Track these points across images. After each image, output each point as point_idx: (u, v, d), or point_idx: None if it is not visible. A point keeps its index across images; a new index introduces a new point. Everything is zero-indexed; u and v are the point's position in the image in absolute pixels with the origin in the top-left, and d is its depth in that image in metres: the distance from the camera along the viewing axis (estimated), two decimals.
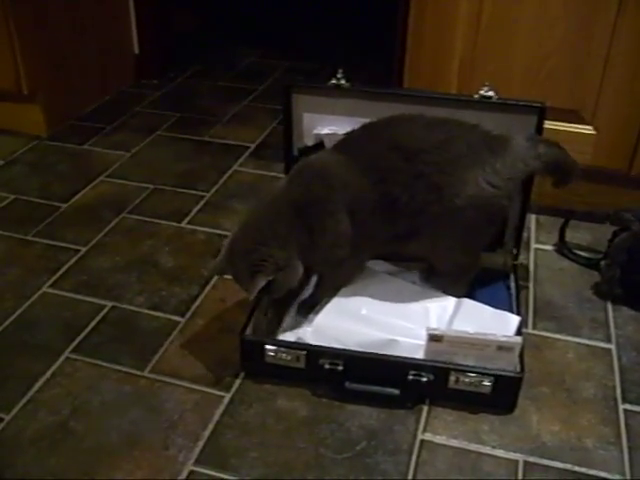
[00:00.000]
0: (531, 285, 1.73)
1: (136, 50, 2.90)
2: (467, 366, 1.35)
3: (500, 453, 1.30)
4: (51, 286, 1.72)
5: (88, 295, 1.69)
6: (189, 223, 1.98)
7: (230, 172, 2.25)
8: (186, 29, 3.31)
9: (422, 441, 1.32)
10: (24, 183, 2.17)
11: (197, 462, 1.27)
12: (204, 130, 2.53)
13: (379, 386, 1.38)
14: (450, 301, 1.51)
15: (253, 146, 2.42)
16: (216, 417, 1.36)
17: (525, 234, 1.81)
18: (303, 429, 1.34)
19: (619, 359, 1.51)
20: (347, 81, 1.59)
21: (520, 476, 1.25)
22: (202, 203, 2.07)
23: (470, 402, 1.38)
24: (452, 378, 1.35)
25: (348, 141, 1.49)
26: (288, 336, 1.48)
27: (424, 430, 1.34)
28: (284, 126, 1.65)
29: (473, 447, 1.31)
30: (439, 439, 1.32)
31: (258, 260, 1.33)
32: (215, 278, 1.73)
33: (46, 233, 1.92)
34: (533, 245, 1.88)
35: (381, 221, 1.43)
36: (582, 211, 1.84)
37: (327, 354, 1.38)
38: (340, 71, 1.59)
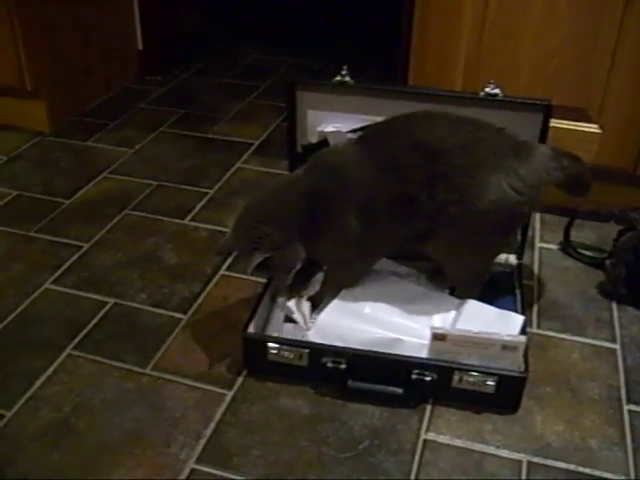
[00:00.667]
0: (535, 284, 1.72)
1: (140, 46, 2.89)
2: (471, 365, 1.34)
3: (504, 453, 1.29)
4: (53, 282, 1.71)
5: (90, 292, 1.68)
6: (192, 220, 1.97)
7: (233, 169, 2.24)
8: (190, 26, 3.31)
9: (425, 441, 1.31)
10: (27, 179, 2.17)
11: (199, 460, 1.27)
12: (208, 127, 2.52)
13: (382, 385, 1.37)
14: (454, 301, 1.50)
15: (257, 143, 2.41)
16: (218, 415, 1.36)
17: (530, 233, 1.80)
18: (305, 428, 1.33)
19: (624, 359, 1.50)
20: (351, 78, 1.59)
21: (524, 476, 1.25)
22: (205, 200, 2.07)
23: (474, 402, 1.37)
24: (456, 377, 1.34)
25: (368, 136, 1.47)
26: (291, 334, 1.47)
27: (427, 430, 1.33)
28: (288, 123, 1.65)
29: (477, 447, 1.30)
30: (442, 439, 1.32)
31: (256, 237, 1.37)
32: (218, 276, 1.73)
33: (49, 229, 1.92)
34: (538, 244, 1.87)
35: (397, 220, 1.41)
36: (587, 210, 1.83)
37: (330, 352, 1.38)
38: (345, 68, 1.58)
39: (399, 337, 1.40)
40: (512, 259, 1.68)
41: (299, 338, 1.45)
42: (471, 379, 1.34)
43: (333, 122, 1.61)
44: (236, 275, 1.74)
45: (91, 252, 1.83)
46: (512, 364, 1.35)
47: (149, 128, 2.50)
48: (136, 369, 1.46)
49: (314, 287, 1.57)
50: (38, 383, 1.42)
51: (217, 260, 1.79)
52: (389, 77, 2.32)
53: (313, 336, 1.44)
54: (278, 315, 1.55)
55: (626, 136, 1.82)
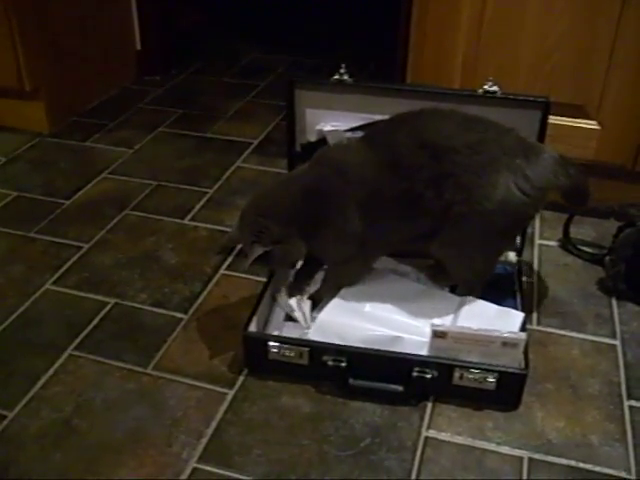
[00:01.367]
0: (535, 281, 1.72)
1: (138, 46, 2.89)
2: (471, 362, 1.35)
3: (505, 450, 1.29)
4: (54, 283, 1.71)
5: (91, 292, 1.68)
6: (192, 220, 1.97)
7: (233, 168, 2.25)
8: (188, 25, 3.31)
9: (426, 438, 1.31)
10: (26, 180, 2.17)
11: (200, 459, 1.27)
12: (207, 126, 2.52)
13: (383, 383, 1.37)
14: (454, 298, 1.51)
15: (256, 142, 2.41)
16: (219, 414, 1.36)
17: (529, 230, 1.80)
18: (307, 426, 1.33)
19: (624, 355, 1.51)
20: (350, 77, 1.59)
21: (525, 473, 1.25)
22: (205, 199, 2.07)
23: (474, 399, 1.37)
24: (456, 374, 1.35)
25: (374, 133, 1.47)
26: (292, 332, 1.47)
27: (428, 427, 1.34)
28: (287, 122, 1.65)
29: (478, 444, 1.30)
30: (443, 436, 1.32)
31: (256, 230, 1.38)
32: (218, 275, 1.73)
33: (49, 230, 1.92)
34: (537, 241, 1.87)
35: (401, 218, 1.41)
36: (586, 207, 1.83)
37: (330, 351, 1.38)
38: (343, 67, 1.58)
39: (399, 335, 1.40)
40: (512, 256, 1.68)
41: (299, 337, 1.46)
42: (472, 376, 1.34)
43: (332, 121, 1.62)
44: (236, 274, 1.74)
45: (91, 252, 1.83)
46: (512, 361, 1.35)
47: (148, 128, 2.50)
48: (137, 369, 1.46)
49: (315, 285, 1.57)
50: (39, 384, 1.42)
51: (217, 259, 1.79)
52: (387, 75, 2.32)
53: (314, 334, 1.44)
54: (278, 314, 1.56)
55: (625, 132, 1.82)
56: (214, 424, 1.34)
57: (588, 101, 1.82)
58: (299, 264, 1.55)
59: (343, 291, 1.50)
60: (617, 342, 1.54)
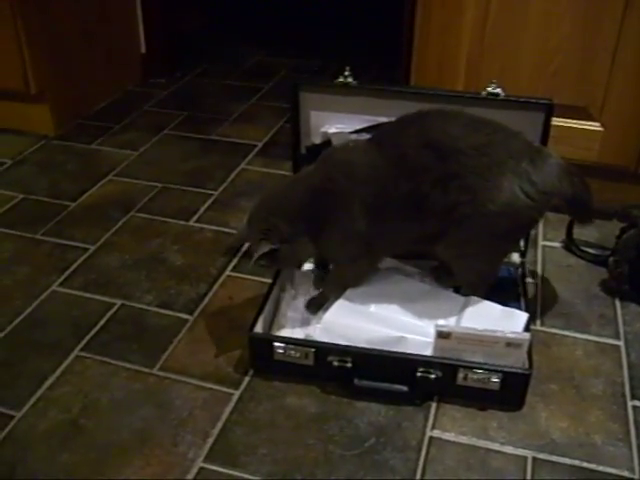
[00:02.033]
0: (539, 282, 1.73)
1: (143, 49, 2.91)
2: (475, 363, 1.35)
3: (509, 449, 1.30)
4: (60, 285, 1.72)
5: (97, 293, 1.69)
6: (197, 221, 1.98)
7: (238, 170, 2.26)
8: (193, 28, 3.32)
9: (431, 438, 1.32)
10: (32, 182, 2.18)
11: (207, 459, 1.28)
12: (211, 129, 2.53)
13: (388, 383, 1.38)
14: (458, 298, 1.51)
15: (260, 144, 2.42)
16: (225, 414, 1.37)
17: (533, 231, 1.80)
18: (312, 426, 1.34)
19: (628, 355, 1.51)
20: (354, 79, 1.59)
21: (529, 472, 1.25)
22: (210, 201, 2.08)
23: (478, 399, 1.38)
24: (460, 375, 1.35)
25: (382, 134, 1.48)
26: (297, 333, 1.48)
27: (433, 427, 1.34)
28: (292, 124, 1.66)
29: (482, 444, 1.31)
30: (448, 436, 1.33)
31: (265, 228, 1.39)
32: (223, 276, 1.74)
33: (55, 232, 1.93)
34: (541, 242, 1.88)
35: (407, 219, 1.42)
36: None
37: (336, 351, 1.39)
38: (347, 69, 1.59)
39: (404, 335, 1.41)
40: (515, 257, 1.69)
41: (307, 333, 1.47)
42: (476, 376, 1.35)
43: (336, 123, 1.62)
44: (242, 276, 1.75)
45: (97, 254, 1.84)
46: (516, 361, 1.36)
47: (153, 130, 2.51)
48: (143, 369, 1.47)
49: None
50: (47, 384, 1.43)
51: (223, 261, 1.80)
52: (391, 77, 2.33)
53: (319, 335, 1.45)
54: (284, 314, 1.56)
55: (628, 134, 1.82)
56: (220, 424, 1.35)
57: (591, 103, 1.83)
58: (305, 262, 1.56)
59: (348, 292, 1.51)
60: (621, 343, 1.55)
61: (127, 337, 1.56)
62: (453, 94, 1.64)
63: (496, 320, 1.42)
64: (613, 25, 1.72)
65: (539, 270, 1.77)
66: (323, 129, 1.64)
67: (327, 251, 1.50)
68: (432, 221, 1.41)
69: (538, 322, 1.60)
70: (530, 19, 1.78)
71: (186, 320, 1.61)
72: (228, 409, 1.38)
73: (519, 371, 1.35)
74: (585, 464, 1.27)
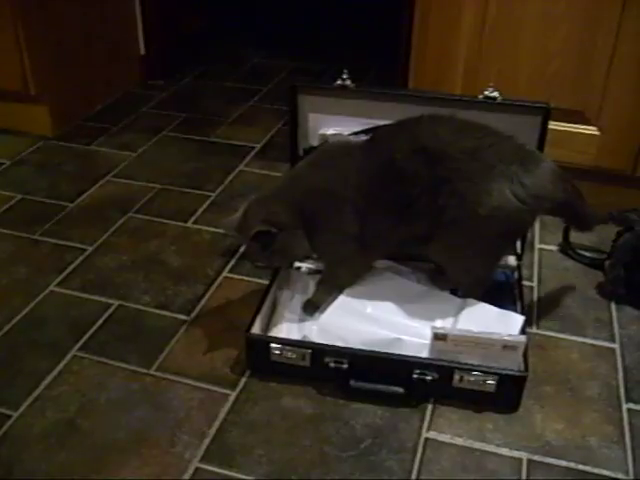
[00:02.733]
0: (535, 285, 1.73)
1: (142, 51, 2.91)
2: (471, 365, 1.36)
3: (504, 451, 1.30)
4: (58, 285, 1.73)
5: (95, 294, 1.70)
6: (195, 223, 1.99)
7: (236, 172, 2.26)
8: (192, 30, 3.32)
9: (426, 439, 1.33)
10: (31, 183, 2.19)
11: (203, 459, 1.28)
12: (210, 130, 2.54)
13: (384, 384, 1.39)
14: (455, 300, 1.52)
15: (259, 146, 2.43)
16: (222, 415, 1.37)
17: (529, 234, 1.81)
18: (308, 427, 1.35)
19: (623, 359, 1.52)
20: (353, 82, 1.60)
21: (524, 474, 1.26)
22: (208, 203, 2.08)
23: (474, 401, 1.39)
24: (456, 377, 1.36)
25: (375, 138, 1.48)
26: (294, 334, 1.49)
27: (428, 428, 1.35)
28: (290, 126, 1.67)
29: (477, 445, 1.31)
30: (443, 437, 1.33)
31: (264, 213, 1.42)
32: (221, 277, 1.75)
33: (53, 232, 1.94)
34: (537, 245, 1.89)
35: (397, 221, 1.43)
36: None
37: (332, 352, 1.39)
38: (345, 72, 1.60)
39: (400, 337, 1.42)
40: (512, 260, 1.69)
41: (303, 335, 1.47)
42: (472, 378, 1.35)
43: (334, 125, 1.63)
44: (239, 277, 1.76)
45: (95, 255, 1.85)
46: (512, 364, 1.37)
47: (152, 132, 2.52)
48: (140, 370, 1.48)
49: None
50: (44, 384, 1.44)
51: (220, 262, 1.81)
52: (389, 80, 2.33)
53: (316, 336, 1.45)
54: (281, 315, 1.56)
55: (624, 138, 1.83)
56: (216, 425, 1.35)
57: (588, 107, 1.83)
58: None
59: (345, 293, 1.51)
60: (616, 345, 1.55)
61: (124, 337, 1.56)
62: (450, 97, 1.64)
63: (492, 322, 1.43)
64: (610, 30, 1.73)
65: (535, 273, 1.78)
66: (321, 131, 1.64)
67: (319, 251, 1.51)
68: (422, 224, 1.42)
69: (534, 325, 1.60)
70: (528, 23, 1.79)
71: (183, 321, 1.61)
72: (225, 410, 1.38)
73: (515, 373, 1.36)
74: (580, 466, 1.27)
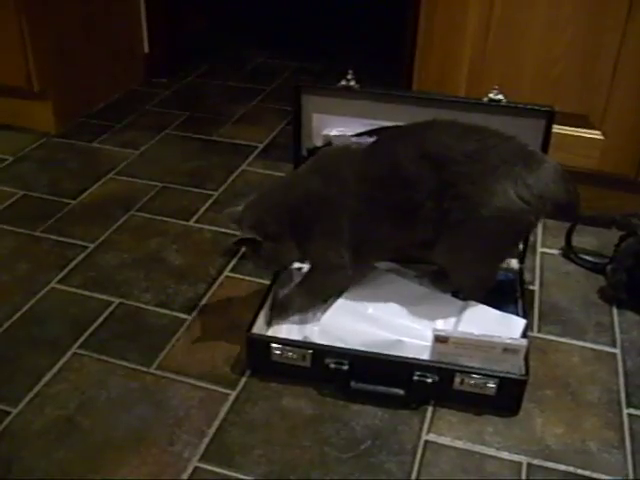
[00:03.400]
0: (537, 289, 1.73)
1: (146, 49, 2.91)
2: (472, 368, 1.36)
3: (504, 455, 1.30)
4: (59, 282, 1.73)
5: (96, 291, 1.70)
6: (197, 221, 1.99)
7: (238, 171, 2.26)
8: (196, 29, 3.32)
9: (426, 442, 1.32)
10: (33, 179, 2.19)
11: (202, 459, 1.28)
12: (213, 129, 2.54)
13: (384, 386, 1.38)
14: (457, 302, 1.52)
15: (262, 146, 2.43)
16: (221, 414, 1.37)
17: (531, 238, 1.81)
18: (308, 428, 1.34)
19: (624, 363, 1.51)
20: (357, 82, 1.60)
21: (524, 478, 1.26)
22: (210, 202, 2.08)
23: (475, 404, 1.38)
24: (457, 379, 1.36)
25: (377, 144, 1.48)
26: (294, 334, 1.48)
27: (428, 431, 1.34)
28: (293, 126, 1.66)
29: (477, 448, 1.31)
30: (443, 440, 1.33)
31: (253, 221, 1.44)
32: (222, 277, 1.75)
33: (55, 229, 1.94)
34: (539, 249, 1.88)
35: (398, 227, 1.43)
36: (588, 216, 1.84)
37: (333, 353, 1.39)
38: (350, 72, 1.60)
39: (401, 338, 1.41)
40: (514, 263, 1.69)
41: (304, 335, 1.47)
42: (472, 381, 1.35)
43: (338, 126, 1.63)
44: (240, 276, 1.75)
45: (97, 252, 1.84)
46: (513, 367, 1.36)
47: (155, 130, 2.52)
48: (141, 368, 1.47)
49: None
50: (44, 381, 1.44)
51: (222, 261, 1.80)
52: (393, 82, 2.33)
53: (316, 337, 1.45)
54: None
55: (628, 143, 1.83)
56: (216, 424, 1.35)
57: (592, 111, 1.83)
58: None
59: (347, 294, 1.51)
60: (617, 350, 1.55)
61: (125, 335, 1.56)
62: (455, 99, 1.64)
63: (494, 325, 1.43)
64: (615, 34, 1.72)
65: (537, 277, 1.77)
66: (325, 132, 1.64)
67: (311, 257, 1.51)
68: (426, 228, 1.42)
69: (535, 328, 1.60)
70: (533, 27, 1.78)
71: (184, 320, 1.61)
72: (224, 409, 1.38)
73: (515, 377, 1.36)
74: (580, 471, 1.27)
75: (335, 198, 1.43)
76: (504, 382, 1.35)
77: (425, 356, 1.39)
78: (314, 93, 1.63)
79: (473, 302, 1.50)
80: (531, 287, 1.73)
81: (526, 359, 1.37)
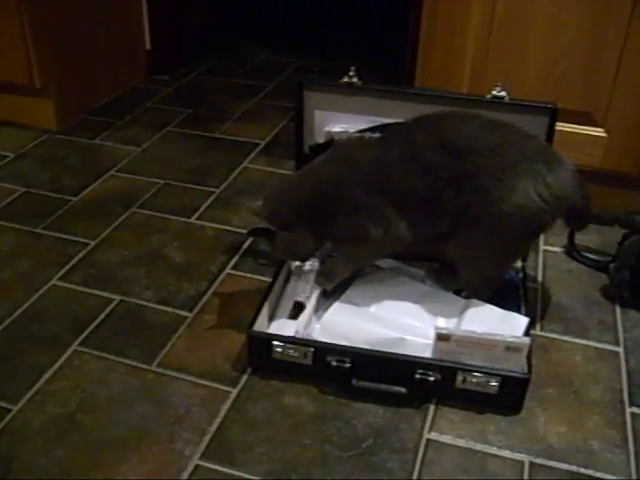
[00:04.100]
0: (539, 287, 1.73)
1: (148, 46, 2.91)
2: (474, 366, 1.35)
3: (506, 454, 1.29)
4: (60, 279, 1.72)
5: (97, 289, 1.69)
6: (198, 219, 1.98)
7: (240, 169, 2.25)
8: (198, 25, 3.31)
9: (428, 440, 1.32)
10: (34, 176, 2.18)
11: (203, 456, 1.27)
12: (215, 126, 2.53)
13: (386, 384, 1.38)
14: (459, 301, 1.51)
15: (263, 143, 2.42)
16: (222, 412, 1.36)
17: None
18: (309, 426, 1.34)
19: (627, 362, 1.51)
20: (359, 79, 1.59)
21: (526, 477, 1.25)
22: (212, 199, 2.08)
23: (477, 402, 1.38)
24: (459, 378, 1.35)
25: (393, 133, 1.48)
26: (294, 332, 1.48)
27: (430, 429, 1.34)
28: (295, 123, 1.66)
29: (479, 447, 1.31)
30: (445, 438, 1.32)
31: (269, 211, 1.46)
32: (223, 274, 1.74)
33: (56, 226, 1.93)
34: (542, 247, 1.88)
35: (420, 216, 1.42)
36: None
37: (334, 351, 1.39)
38: (352, 69, 1.59)
39: (403, 337, 1.41)
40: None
41: (306, 333, 1.46)
42: (474, 380, 1.35)
43: (340, 123, 1.63)
44: (242, 274, 1.75)
45: (98, 249, 1.84)
46: (515, 365, 1.36)
47: (156, 127, 2.51)
48: (141, 366, 1.47)
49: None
50: (44, 378, 1.43)
51: (223, 259, 1.80)
52: (396, 78, 2.33)
53: (318, 335, 1.45)
54: (283, 313, 1.56)
55: (631, 140, 1.82)
56: (217, 422, 1.34)
57: (595, 108, 1.83)
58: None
59: (348, 292, 1.51)
60: (620, 349, 1.55)
61: (126, 333, 1.56)
62: (458, 96, 1.64)
63: (496, 323, 1.42)
64: (619, 32, 1.72)
65: (540, 275, 1.77)
66: (327, 128, 1.64)
67: (337, 238, 1.49)
68: (445, 220, 1.41)
69: (538, 327, 1.60)
70: (536, 23, 1.78)
71: (185, 317, 1.61)
72: (225, 407, 1.38)
73: (518, 375, 1.35)
74: (582, 470, 1.27)
75: (347, 178, 1.42)
76: (506, 380, 1.34)
77: (427, 354, 1.39)
78: (316, 90, 1.62)
79: (475, 300, 1.49)
80: (533, 285, 1.72)
81: (528, 357, 1.36)
